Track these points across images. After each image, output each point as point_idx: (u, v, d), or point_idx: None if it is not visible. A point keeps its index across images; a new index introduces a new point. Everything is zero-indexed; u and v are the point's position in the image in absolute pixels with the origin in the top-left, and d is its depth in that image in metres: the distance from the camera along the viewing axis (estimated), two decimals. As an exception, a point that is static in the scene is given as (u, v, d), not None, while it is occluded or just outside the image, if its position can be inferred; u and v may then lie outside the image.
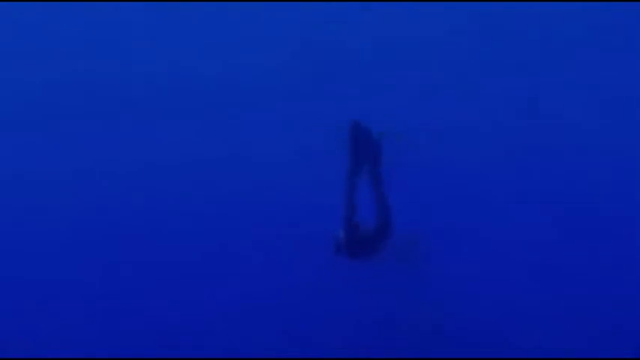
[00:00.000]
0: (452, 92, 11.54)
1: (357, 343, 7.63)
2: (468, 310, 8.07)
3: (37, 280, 8.62)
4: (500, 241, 9.06)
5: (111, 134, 10.91)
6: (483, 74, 11.82)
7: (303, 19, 12.41)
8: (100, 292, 8.42)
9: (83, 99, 11.79)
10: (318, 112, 11.25)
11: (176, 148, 10.77)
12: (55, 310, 8.20)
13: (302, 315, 8.00)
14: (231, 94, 11.93)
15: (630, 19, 12.02)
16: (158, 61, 12.07)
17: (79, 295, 8.40)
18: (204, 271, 8.72)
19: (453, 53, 12.11)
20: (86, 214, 9.70)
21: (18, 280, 8.59)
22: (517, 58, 12.06)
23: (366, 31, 12.44)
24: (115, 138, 10.85)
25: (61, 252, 9.06)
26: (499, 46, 12.08)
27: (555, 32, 12.40)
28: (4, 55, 12.04)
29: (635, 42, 12.06)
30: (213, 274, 8.66)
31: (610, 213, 9.54)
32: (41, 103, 11.61)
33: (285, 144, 10.86)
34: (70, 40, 12.28)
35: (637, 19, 12.04)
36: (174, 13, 12.53)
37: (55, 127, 11.22)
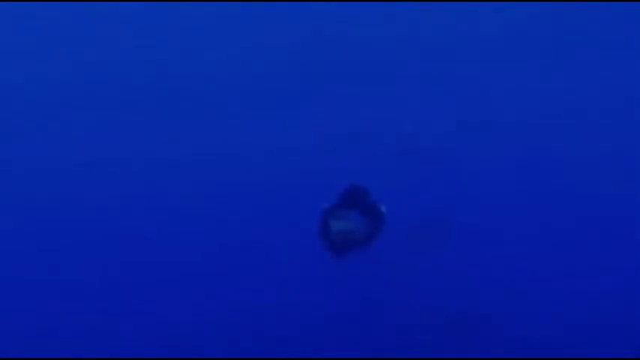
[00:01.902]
0: (460, 90, 11.55)
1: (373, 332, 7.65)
2: (466, 303, 8.08)
3: (39, 280, 8.62)
4: (504, 239, 9.08)
5: (107, 133, 10.89)
6: (490, 73, 11.82)
7: (309, 14, 12.37)
8: (99, 292, 8.41)
9: (79, 96, 11.78)
10: (321, 111, 11.25)
11: (175, 146, 10.75)
12: (60, 310, 8.20)
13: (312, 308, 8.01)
14: (236, 92, 11.91)
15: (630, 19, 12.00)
16: (159, 59, 12.04)
17: (78, 296, 8.40)
18: (205, 270, 8.71)
19: (458, 52, 12.11)
20: (83, 213, 9.69)
21: (17, 280, 8.59)
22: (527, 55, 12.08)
23: (372, 27, 12.41)
24: (111, 137, 10.83)
25: (64, 252, 9.06)
26: (511, 44, 12.09)
27: (557, 32, 12.40)
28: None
29: (635, 42, 12.05)
30: (214, 273, 8.66)
31: (612, 213, 9.54)
32: (38, 102, 11.62)
33: (287, 143, 10.85)
34: (72, 37, 12.26)
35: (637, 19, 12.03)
36: (176, 10, 12.49)
37: (53, 125, 11.22)
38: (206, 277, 8.60)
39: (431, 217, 9.34)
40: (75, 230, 9.34)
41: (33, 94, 11.70)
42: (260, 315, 8.05)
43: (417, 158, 10.50)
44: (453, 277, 8.44)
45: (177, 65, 12.15)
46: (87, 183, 10.26)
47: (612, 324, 7.78)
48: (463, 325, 7.75)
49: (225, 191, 10.05)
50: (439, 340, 7.57)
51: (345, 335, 7.71)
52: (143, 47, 12.32)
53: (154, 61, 12.19)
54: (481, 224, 9.20)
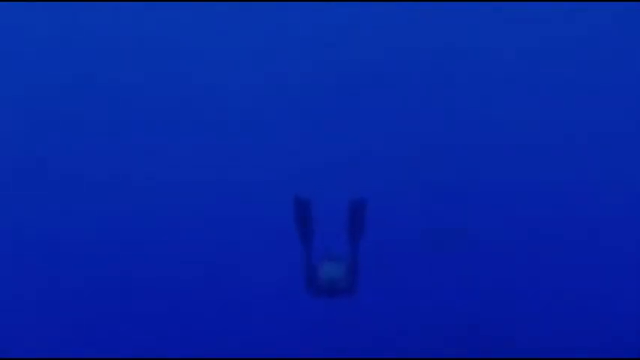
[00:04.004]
0: (469, 102, 11.59)
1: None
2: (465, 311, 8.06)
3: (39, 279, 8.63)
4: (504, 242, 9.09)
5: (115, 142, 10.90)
6: (503, 81, 11.84)
7: (326, 33, 12.39)
8: (95, 293, 8.41)
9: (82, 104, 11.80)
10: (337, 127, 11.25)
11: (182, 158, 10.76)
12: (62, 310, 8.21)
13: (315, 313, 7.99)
14: (238, 101, 11.93)
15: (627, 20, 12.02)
16: (179, 73, 12.05)
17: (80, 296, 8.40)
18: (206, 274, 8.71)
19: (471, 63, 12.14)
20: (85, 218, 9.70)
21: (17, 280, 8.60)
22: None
23: (386, 44, 12.42)
24: (121, 147, 10.84)
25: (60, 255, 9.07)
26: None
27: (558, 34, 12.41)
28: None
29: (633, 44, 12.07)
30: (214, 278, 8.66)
31: (611, 215, 9.54)
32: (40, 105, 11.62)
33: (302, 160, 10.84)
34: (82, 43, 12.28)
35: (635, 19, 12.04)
36: (198, 23, 12.52)
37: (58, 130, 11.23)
38: (203, 285, 8.61)
39: (441, 229, 9.38)
40: (72, 230, 9.35)
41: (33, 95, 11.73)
42: (262, 317, 8.04)
43: (423, 169, 10.54)
44: (462, 287, 8.45)
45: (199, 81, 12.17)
46: (86, 183, 10.27)
47: (613, 324, 7.77)
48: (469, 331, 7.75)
49: (228, 202, 10.04)
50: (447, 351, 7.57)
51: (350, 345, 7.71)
52: (167, 59, 12.36)
53: (172, 74, 12.22)
54: (489, 235, 9.22)
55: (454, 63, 12.18)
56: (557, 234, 9.29)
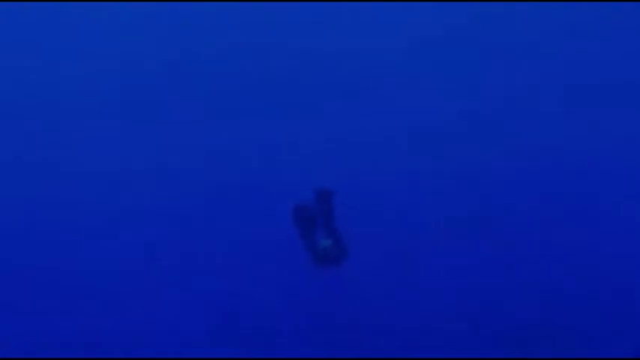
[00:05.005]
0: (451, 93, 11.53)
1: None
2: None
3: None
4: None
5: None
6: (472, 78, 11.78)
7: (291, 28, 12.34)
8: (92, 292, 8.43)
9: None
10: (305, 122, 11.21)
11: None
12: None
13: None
14: (233, 96, 11.91)
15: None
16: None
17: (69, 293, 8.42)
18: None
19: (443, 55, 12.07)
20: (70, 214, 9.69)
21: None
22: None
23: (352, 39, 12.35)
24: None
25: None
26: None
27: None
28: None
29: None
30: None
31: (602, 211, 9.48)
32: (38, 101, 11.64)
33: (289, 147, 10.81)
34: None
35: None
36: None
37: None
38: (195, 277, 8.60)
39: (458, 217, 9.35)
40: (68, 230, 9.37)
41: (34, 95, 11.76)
42: (269, 310, 8.05)
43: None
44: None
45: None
46: (85, 183, 10.28)
47: (612, 323, 7.74)
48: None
49: (218, 193, 10.01)
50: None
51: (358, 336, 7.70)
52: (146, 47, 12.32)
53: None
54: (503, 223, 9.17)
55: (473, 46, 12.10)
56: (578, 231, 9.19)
